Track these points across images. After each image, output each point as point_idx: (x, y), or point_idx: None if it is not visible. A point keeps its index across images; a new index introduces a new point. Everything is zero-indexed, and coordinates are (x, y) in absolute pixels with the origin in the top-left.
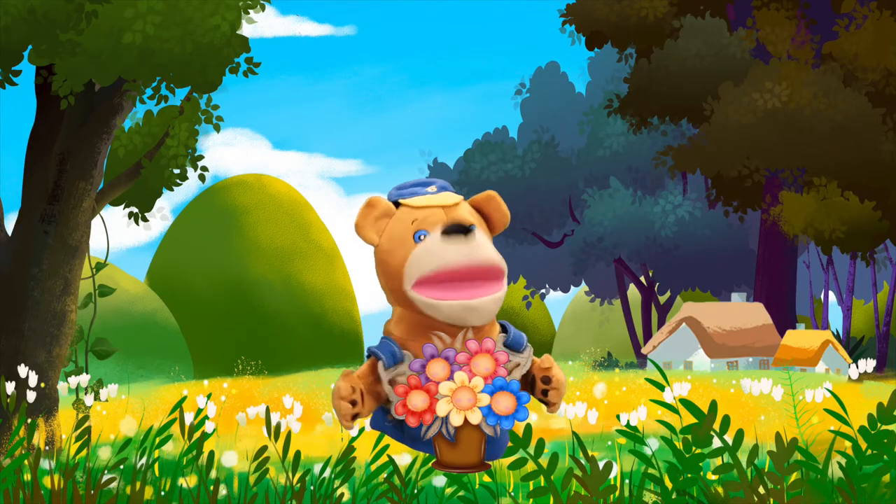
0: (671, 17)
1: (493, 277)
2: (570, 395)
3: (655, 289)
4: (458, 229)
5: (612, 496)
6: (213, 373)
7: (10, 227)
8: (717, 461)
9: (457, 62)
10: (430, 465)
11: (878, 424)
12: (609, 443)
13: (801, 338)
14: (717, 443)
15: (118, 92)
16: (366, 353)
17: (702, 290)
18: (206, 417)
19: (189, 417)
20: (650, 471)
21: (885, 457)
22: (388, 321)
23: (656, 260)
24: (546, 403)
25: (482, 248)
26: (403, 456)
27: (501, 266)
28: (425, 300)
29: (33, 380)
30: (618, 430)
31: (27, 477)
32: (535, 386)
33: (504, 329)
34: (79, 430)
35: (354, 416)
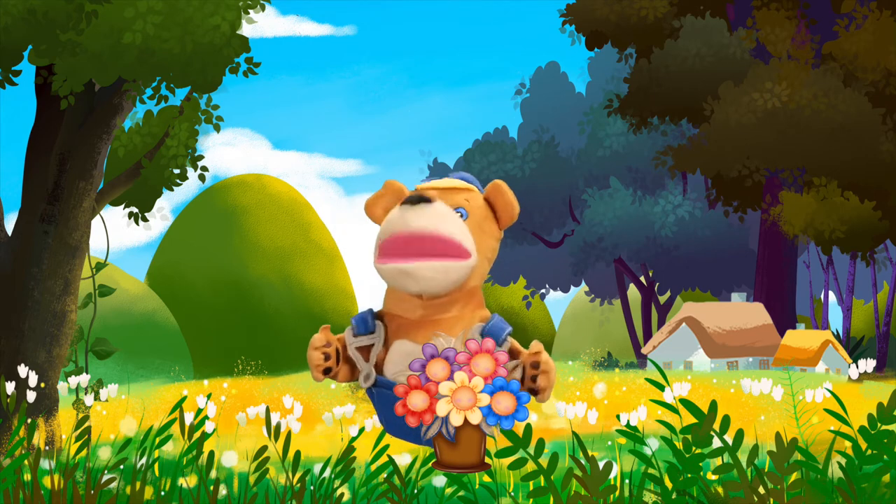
0: (671, 17)
1: (436, 250)
2: (570, 395)
3: (655, 289)
4: (410, 199)
5: (612, 496)
6: (213, 373)
7: (10, 227)
8: (717, 461)
9: (457, 62)
10: (430, 465)
11: (878, 424)
12: (609, 443)
13: (801, 338)
14: (717, 443)
15: (118, 92)
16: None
17: (702, 290)
18: (206, 417)
19: (189, 417)
20: (650, 471)
21: (885, 457)
22: None
23: (656, 260)
24: (535, 391)
25: (431, 217)
26: (403, 456)
27: (446, 237)
28: (376, 265)
29: (33, 380)
30: (618, 430)
31: (27, 477)
32: (525, 373)
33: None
34: (79, 430)
35: (326, 371)
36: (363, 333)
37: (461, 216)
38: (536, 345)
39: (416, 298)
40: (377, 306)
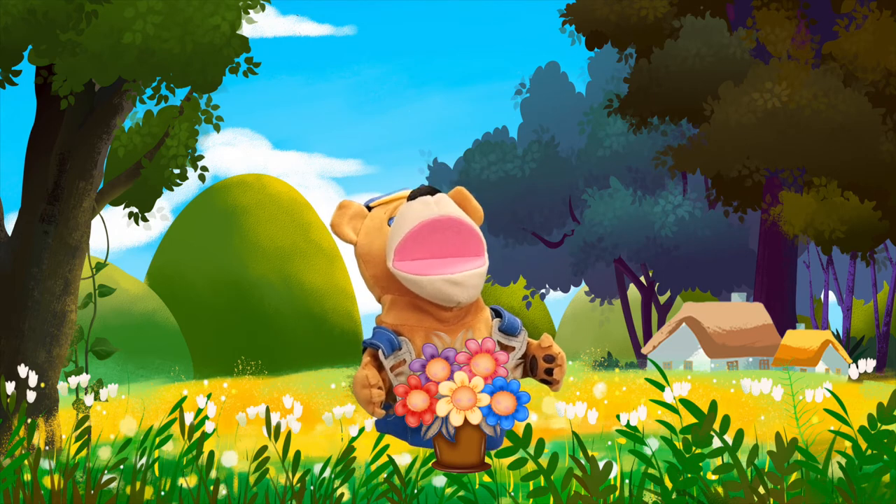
0: (671, 17)
1: (471, 241)
2: (570, 395)
3: (655, 289)
4: (423, 191)
5: (612, 496)
6: (213, 373)
7: (10, 227)
8: (717, 461)
9: (457, 62)
10: (430, 465)
11: (878, 424)
12: (609, 443)
13: (801, 338)
14: (717, 443)
15: (118, 92)
16: (362, 347)
17: (702, 290)
18: (206, 417)
19: (189, 417)
20: (650, 471)
21: (885, 457)
22: (379, 316)
23: (656, 260)
24: (550, 382)
25: (451, 206)
26: (403, 456)
27: (473, 224)
28: (408, 276)
29: (33, 380)
30: (618, 430)
31: (27, 477)
32: (537, 366)
33: (498, 314)
34: (79, 430)
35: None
36: (392, 352)
37: None
38: (547, 338)
39: (445, 309)
40: (373, 312)
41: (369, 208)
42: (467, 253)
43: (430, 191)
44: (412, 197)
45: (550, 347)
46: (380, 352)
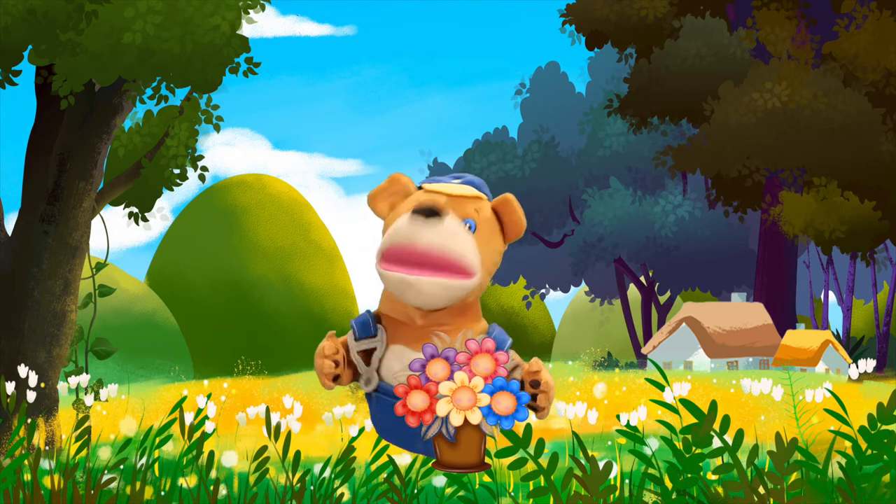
0: (671, 17)
1: (441, 267)
2: (570, 395)
3: (655, 289)
4: (422, 211)
5: (612, 496)
6: (213, 373)
7: (10, 227)
8: (717, 461)
9: (457, 62)
10: (430, 465)
11: (878, 424)
12: (609, 443)
13: (801, 338)
14: (717, 443)
15: (118, 92)
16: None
17: (702, 290)
18: (206, 417)
19: (189, 417)
20: (650, 471)
21: (885, 457)
22: None
23: (656, 260)
24: (534, 409)
25: (441, 234)
26: (403, 456)
27: (452, 258)
28: (377, 268)
29: (33, 380)
30: (618, 430)
31: (27, 477)
32: (524, 389)
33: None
34: (79, 430)
35: (335, 378)
36: (364, 337)
37: (469, 228)
38: (536, 363)
39: (416, 308)
40: (374, 307)
41: (420, 188)
42: (445, 271)
43: (430, 212)
44: (413, 211)
45: (538, 373)
46: (349, 333)
